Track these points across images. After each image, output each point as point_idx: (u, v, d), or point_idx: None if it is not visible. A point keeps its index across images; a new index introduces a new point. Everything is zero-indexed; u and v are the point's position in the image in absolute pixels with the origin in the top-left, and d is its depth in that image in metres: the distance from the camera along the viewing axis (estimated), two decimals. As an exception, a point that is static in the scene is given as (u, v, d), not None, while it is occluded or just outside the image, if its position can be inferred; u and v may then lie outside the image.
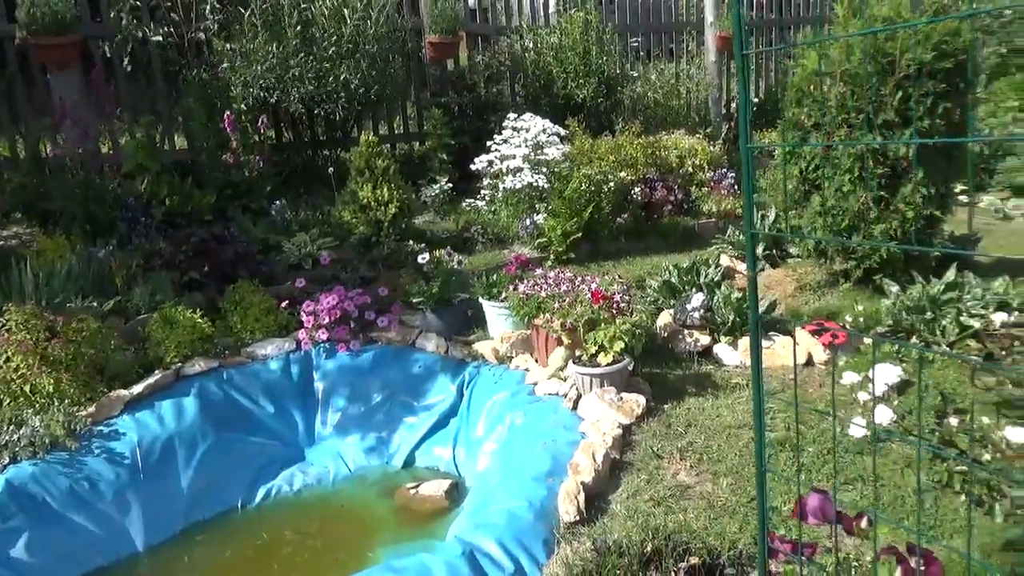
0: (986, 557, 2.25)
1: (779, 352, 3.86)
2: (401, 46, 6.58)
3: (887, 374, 2.03)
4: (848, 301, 4.23)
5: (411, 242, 4.97)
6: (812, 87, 4.14)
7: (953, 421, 2.01)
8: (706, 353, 3.97)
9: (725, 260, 4.90)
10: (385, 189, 5.04)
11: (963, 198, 6.79)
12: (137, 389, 3.59)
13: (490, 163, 5.50)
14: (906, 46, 3.90)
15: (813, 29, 9.35)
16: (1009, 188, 6.88)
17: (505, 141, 5.60)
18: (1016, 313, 3.44)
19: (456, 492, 3.54)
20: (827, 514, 1.29)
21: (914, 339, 3.79)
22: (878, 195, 4.04)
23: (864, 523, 1.30)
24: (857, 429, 1.95)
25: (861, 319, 3.96)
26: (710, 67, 7.99)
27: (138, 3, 5.68)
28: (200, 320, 3.95)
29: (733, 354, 3.90)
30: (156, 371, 3.75)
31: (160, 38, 5.86)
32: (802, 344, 3.87)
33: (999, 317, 2.65)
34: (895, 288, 4.03)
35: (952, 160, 4.13)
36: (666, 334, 4.06)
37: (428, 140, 6.62)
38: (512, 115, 5.74)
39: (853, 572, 1.27)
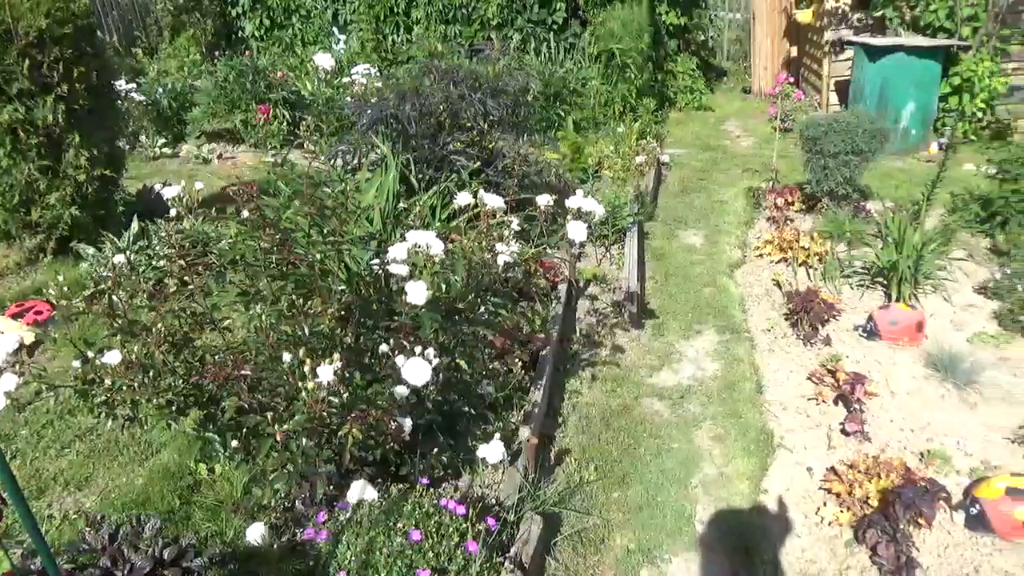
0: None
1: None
2: None
3: (8, 342, 2.12)
4: (52, 274, 4.19)
5: None
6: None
7: (76, 363, 2.28)
8: None
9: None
10: None
11: (155, 151, 7.29)
12: None
13: None
14: (20, 13, 3.86)
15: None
16: (202, 135, 7.74)
17: None
18: (131, 255, 3.97)
19: None
20: None
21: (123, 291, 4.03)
22: (43, 165, 4.02)
23: None
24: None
25: (66, 288, 3.97)
26: None
27: None
28: None
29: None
30: None
31: None
32: (8, 331, 3.69)
33: (120, 259, 3.09)
34: (91, 251, 4.17)
35: (104, 121, 4.36)
36: None
37: None
38: None
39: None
